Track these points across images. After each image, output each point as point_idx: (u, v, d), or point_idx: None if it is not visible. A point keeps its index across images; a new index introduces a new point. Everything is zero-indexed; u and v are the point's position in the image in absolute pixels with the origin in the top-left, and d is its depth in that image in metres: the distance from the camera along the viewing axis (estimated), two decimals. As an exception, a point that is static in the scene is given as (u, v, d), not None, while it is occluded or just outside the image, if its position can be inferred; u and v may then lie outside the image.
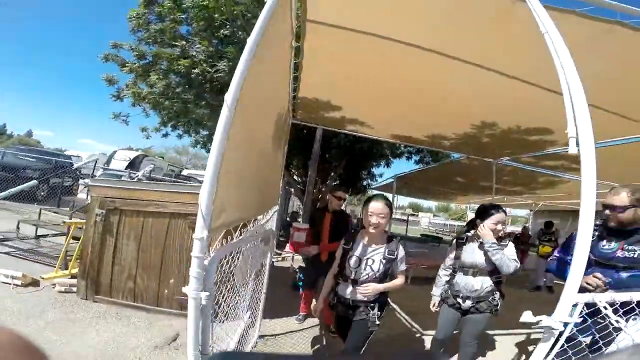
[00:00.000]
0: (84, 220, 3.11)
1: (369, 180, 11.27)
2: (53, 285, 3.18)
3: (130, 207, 2.78)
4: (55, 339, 2.32)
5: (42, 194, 9.24)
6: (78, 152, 21.27)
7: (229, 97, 1.20)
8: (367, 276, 1.95)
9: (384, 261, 1.94)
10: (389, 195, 11.19)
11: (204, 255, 1.13)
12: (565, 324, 1.06)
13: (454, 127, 4.40)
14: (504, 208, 2.55)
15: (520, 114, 3.62)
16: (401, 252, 2.00)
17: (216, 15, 6.14)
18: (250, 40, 1.37)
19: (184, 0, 6.58)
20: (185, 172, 22.82)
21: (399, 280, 2.00)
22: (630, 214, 1.91)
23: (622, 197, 2.02)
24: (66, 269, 3.37)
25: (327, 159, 8.92)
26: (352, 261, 1.98)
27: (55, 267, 3.50)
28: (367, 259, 1.96)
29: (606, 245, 2.08)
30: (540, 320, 1.09)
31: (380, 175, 11.54)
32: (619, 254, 1.96)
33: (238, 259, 1.66)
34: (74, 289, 3.11)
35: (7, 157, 8.85)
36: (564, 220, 12.67)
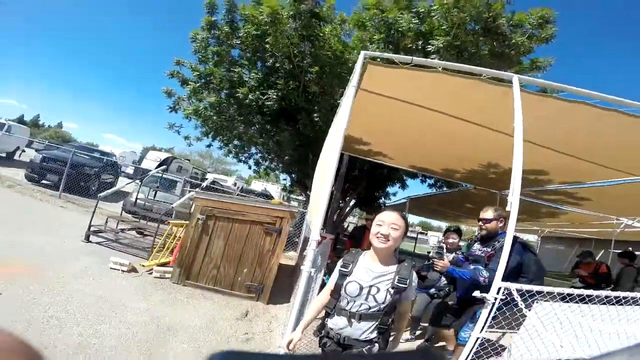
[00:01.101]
0: (186, 222, 4.09)
1: (384, 199, 12.11)
2: (149, 272, 4.07)
3: (223, 215, 3.78)
4: (171, 312, 3.21)
5: (94, 188, 10.37)
6: (111, 147, 22.87)
7: (334, 159, 2.17)
8: (367, 308, 1.54)
9: (392, 291, 1.52)
10: (402, 214, 11.97)
11: (316, 249, 2.08)
12: (495, 298, 1.99)
13: (464, 164, 5.32)
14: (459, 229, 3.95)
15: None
16: (414, 279, 1.61)
17: (267, 46, 7.01)
18: (341, 127, 2.34)
19: (240, 28, 7.59)
20: (209, 177, 24.22)
21: (404, 321, 1.65)
22: (494, 225, 2.80)
23: (488, 213, 2.92)
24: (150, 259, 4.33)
25: (349, 179, 9.84)
26: (351, 288, 1.56)
27: (142, 256, 4.47)
28: (371, 287, 1.54)
29: (475, 248, 3.05)
30: (484, 296, 2.03)
31: (395, 194, 12.39)
32: (478, 253, 2.90)
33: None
34: (167, 275, 3.95)
35: (68, 154, 9.99)
36: (570, 247, 13.02)
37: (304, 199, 16.23)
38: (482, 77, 2.85)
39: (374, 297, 1.53)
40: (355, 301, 1.55)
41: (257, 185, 25.60)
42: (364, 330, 1.54)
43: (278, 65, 6.94)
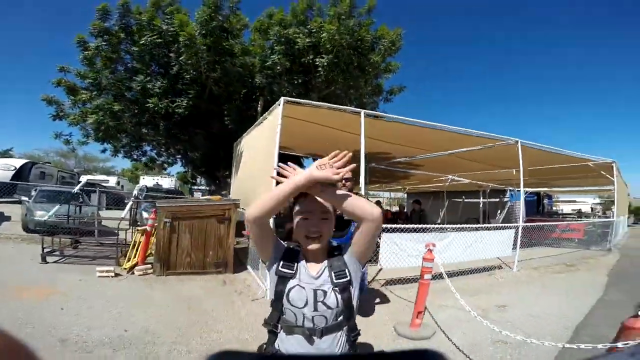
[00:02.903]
0: (144, 228, 5.04)
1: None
2: (131, 272, 4.64)
3: (185, 215, 4.81)
4: (180, 292, 4.03)
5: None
6: None
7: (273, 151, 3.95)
8: (323, 319, 1.15)
9: (337, 289, 1.14)
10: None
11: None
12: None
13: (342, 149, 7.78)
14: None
15: (372, 148, 7.08)
16: (350, 262, 1.18)
17: (171, 55, 7.60)
18: (277, 137, 4.08)
19: (135, 33, 7.78)
20: (83, 179, 20.69)
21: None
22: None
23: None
24: (118, 265, 4.93)
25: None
26: (295, 296, 1.14)
27: (107, 263, 4.85)
28: (316, 291, 1.15)
29: None
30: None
31: (300, 173, 14.61)
32: None
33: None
34: (149, 271, 4.62)
35: None
36: (427, 199, 16.53)
37: (207, 188, 16.69)
38: (346, 111, 5.00)
39: (324, 303, 1.15)
40: (304, 314, 1.14)
41: (148, 181, 23.85)
42: (332, 349, 1.17)
43: (187, 76, 7.66)
